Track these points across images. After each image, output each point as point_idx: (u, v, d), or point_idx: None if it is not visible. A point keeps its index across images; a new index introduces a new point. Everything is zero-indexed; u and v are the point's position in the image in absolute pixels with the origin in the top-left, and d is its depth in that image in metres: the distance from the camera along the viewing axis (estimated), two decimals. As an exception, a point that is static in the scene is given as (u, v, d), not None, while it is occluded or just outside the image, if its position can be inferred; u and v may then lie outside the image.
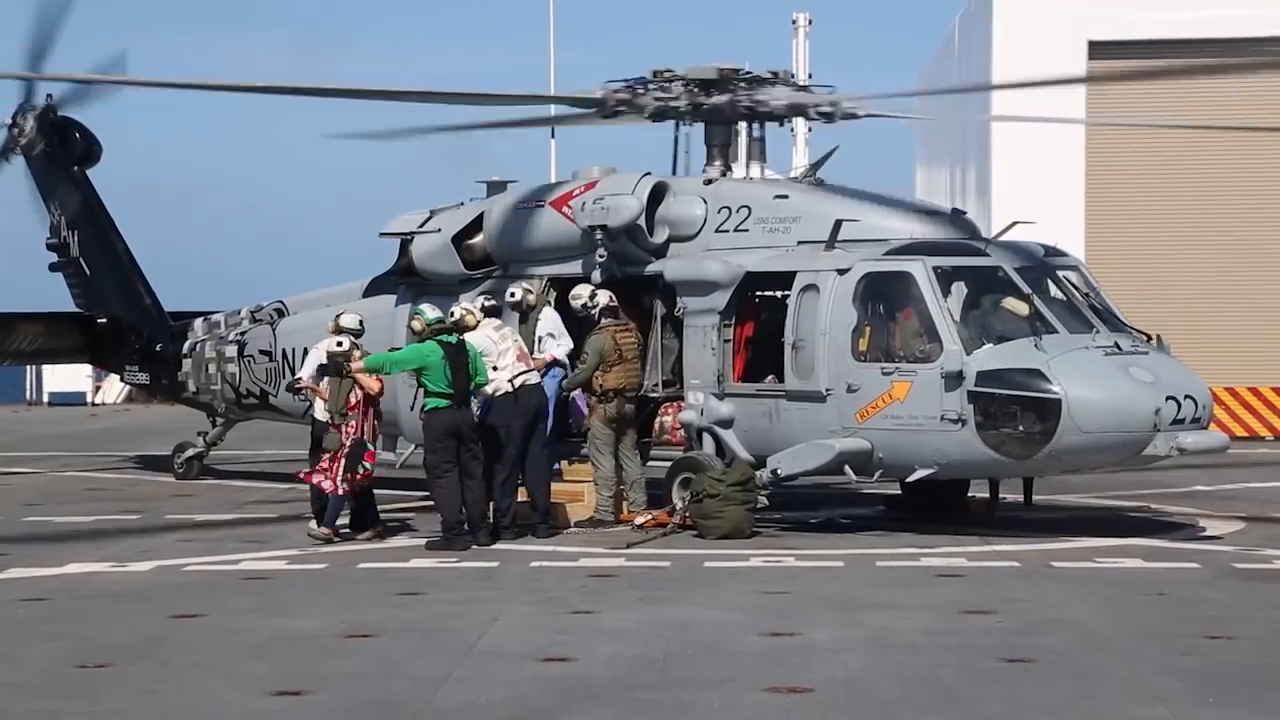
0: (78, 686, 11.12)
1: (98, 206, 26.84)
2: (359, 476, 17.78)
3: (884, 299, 18.14)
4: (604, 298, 19.02)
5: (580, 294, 19.11)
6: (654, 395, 19.45)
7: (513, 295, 19.50)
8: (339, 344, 18.01)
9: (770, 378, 18.73)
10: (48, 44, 24.17)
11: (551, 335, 19.17)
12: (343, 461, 17.64)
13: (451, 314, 18.27)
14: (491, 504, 17.79)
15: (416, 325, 18.00)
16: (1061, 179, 32.96)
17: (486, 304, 19.11)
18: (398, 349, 18.85)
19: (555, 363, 19.16)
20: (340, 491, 17.65)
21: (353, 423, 17.74)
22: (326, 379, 18.05)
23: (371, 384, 17.80)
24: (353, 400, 17.75)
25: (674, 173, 20.29)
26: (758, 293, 19.41)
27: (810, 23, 42.28)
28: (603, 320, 18.91)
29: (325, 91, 19.12)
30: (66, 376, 51.26)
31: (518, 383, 17.97)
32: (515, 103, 20.90)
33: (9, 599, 14.46)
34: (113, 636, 12.70)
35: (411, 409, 19.65)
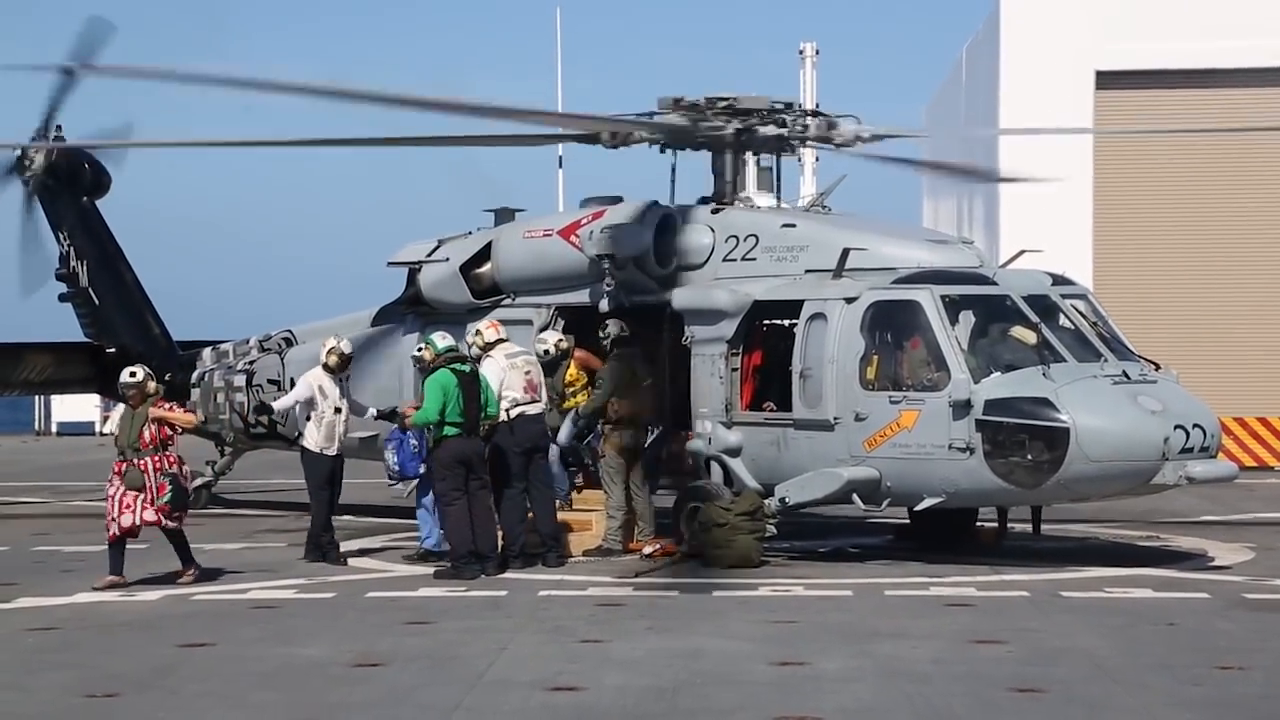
0: (87, 716, 11.12)
1: (107, 237, 26.88)
2: (178, 514, 16.87)
3: (892, 328, 18.14)
4: (615, 327, 19.02)
5: (545, 340, 19.22)
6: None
7: (544, 347, 19.29)
8: (131, 374, 17.04)
9: (768, 404, 18.71)
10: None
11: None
12: (167, 496, 16.65)
13: (476, 330, 18.50)
14: (500, 533, 17.79)
15: (426, 355, 17.97)
16: (1069, 208, 32.95)
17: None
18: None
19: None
20: (120, 530, 16.65)
21: (147, 459, 16.71)
22: (118, 409, 17.45)
23: (185, 419, 17.47)
24: (146, 436, 16.74)
25: (671, 201, 20.30)
26: (765, 321, 19.42)
27: (818, 53, 42.30)
28: (618, 349, 18.92)
29: (335, 93, 19.06)
30: (75, 406, 51.31)
31: (514, 413, 17.95)
32: (516, 144, 20.91)
33: (18, 628, 14.46)
34: (121, 666, 12.69)
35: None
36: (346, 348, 19.01)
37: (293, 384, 20.42)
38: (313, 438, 18.60)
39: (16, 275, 26.01)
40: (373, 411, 19.26)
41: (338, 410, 18.57)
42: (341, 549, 18.66)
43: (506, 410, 17.92)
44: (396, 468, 18.31)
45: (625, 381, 18.70)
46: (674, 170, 20.37)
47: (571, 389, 19.31)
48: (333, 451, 18.62)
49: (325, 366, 18.86)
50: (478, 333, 18.62)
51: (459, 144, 20.52)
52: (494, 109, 19.33)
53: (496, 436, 17.86)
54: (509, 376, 18.05)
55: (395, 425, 18.58)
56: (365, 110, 18.64)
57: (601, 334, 19.10)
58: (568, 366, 19.35)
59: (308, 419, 18.63)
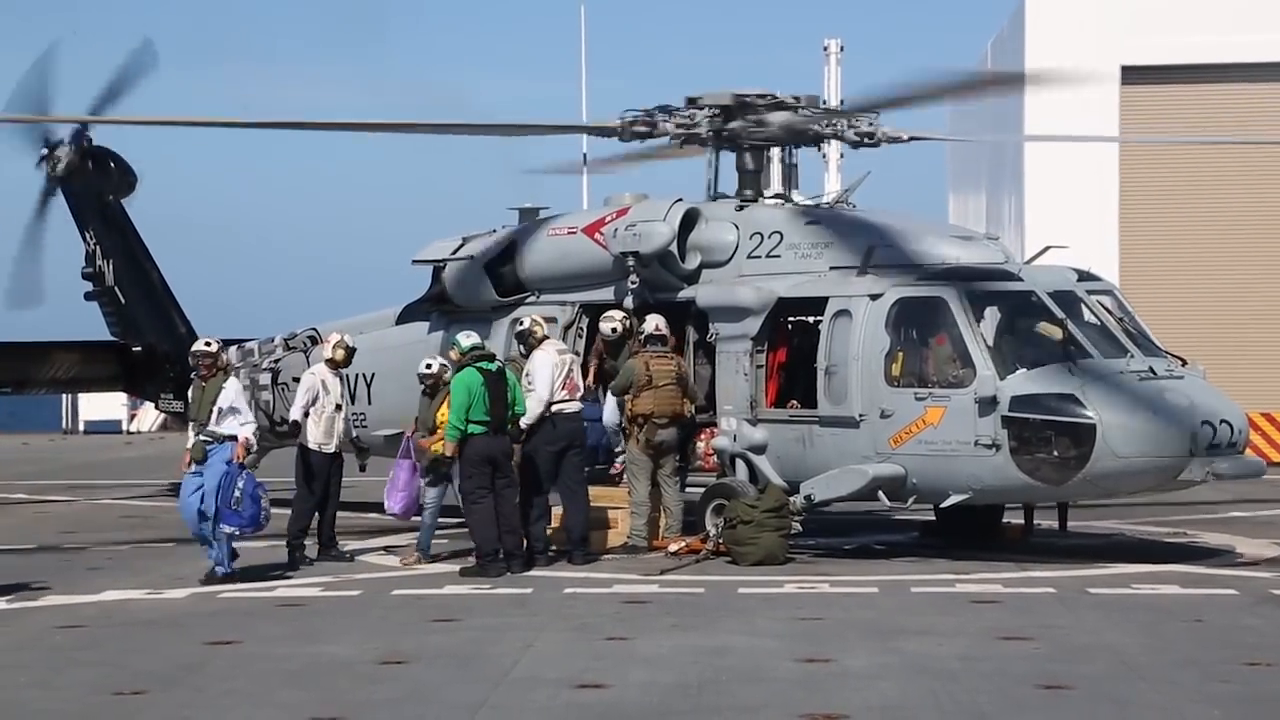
0: (114, 713, 11.14)
1: (133, 236, 26.96)
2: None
3: (917, 324, 18.11)
4: (650, 324, 18.99)
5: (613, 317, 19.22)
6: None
7: (614, 330, 19.36)
8: (206, 343, 17.04)
9: (792, 402, 18.71)
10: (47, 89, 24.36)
11: (235, 410, 16.87)
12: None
13: (520, 322, 18.57)
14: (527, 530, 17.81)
15: (454, 356, 17.93)
16: (1095, 204, 32.89)
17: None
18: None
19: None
20: None
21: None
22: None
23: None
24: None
25: (708, 198, 20.30)
26: (790, 318, 19.40)
27: (842, 49, 42.21)
28: (647, 346, 18.92)
29: (346, 126, 19.24)
30: (102, 405, 51.48)
31: (552, 410, 17.98)
32: (539, 132, 20.98)
33: (46, 626, 14.51)
34: (148, 663, 12.72)
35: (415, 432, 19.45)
36: (351, 342, 19.03)
37: None
38: (312, 433, 18.54)
39: (9, 285, 25.84)
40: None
41: (338, 407, 18.54)
42: (308, 549, 18.38)
43: (548, 405, 17.93)
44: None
45: (639, 380, 18.64)
46: (709, 166, 20.35)
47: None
48: (331, 449, 18.56)
49: (331, 361, 18.85)
50: (529, 330, 18.54)
51: (479, 133, 20.57)
52: (514, 126, 19.54)
53: (534, 434, 17.85)
54: (559, 373, 18.08)
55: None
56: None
57: (638, 329, 19.10)
58: (631, 351, 19.27)
59: (307, 415, 18.59)
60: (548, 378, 17.95)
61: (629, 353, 19.20)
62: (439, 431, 17.72)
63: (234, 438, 16.59)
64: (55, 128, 25.74)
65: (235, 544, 16.70)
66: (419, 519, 18.48)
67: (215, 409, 16.62)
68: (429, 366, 18.37)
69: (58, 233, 26.72)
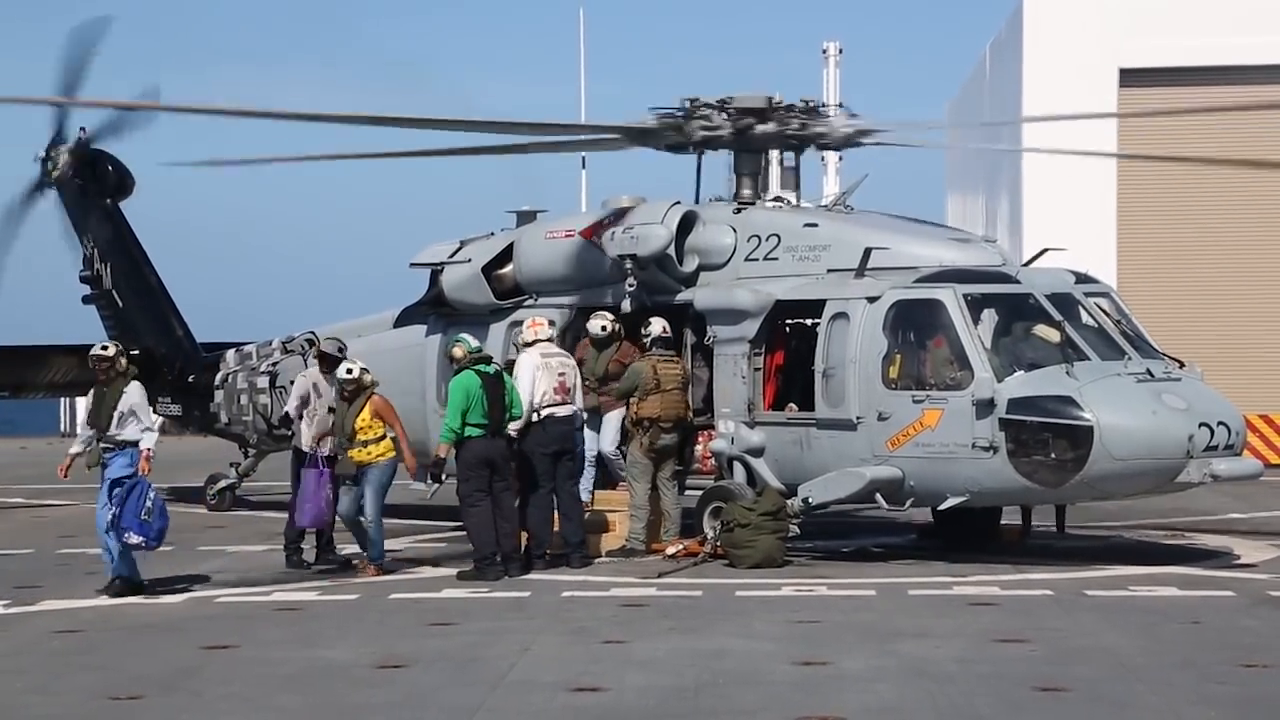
0: (111, 718, 11.15)
1: (130, 239, 26.94)
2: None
3: (914, 327, 18.11)
4: (657, 327, 18.98)
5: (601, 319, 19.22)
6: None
7: (604, 329, 19.32)
8: (104, 347, 16.52)
9: (790, 405, 18.72)
10: (79, 76, 24.33)
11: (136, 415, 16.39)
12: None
13: (518, 325, 18.52)
14: (524, 534, 17.80)
15: (458, 352, 17.86)
16: (1093, 206, 32.88)
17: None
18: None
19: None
20: None
21: None
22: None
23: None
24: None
25: (696, 201, 20.31)
26: (788, 321, 19.40)
27: (840, 52, 42.26)
28: (653, 349, 18.91)
29: (351, 119, 19.27)
30: (100, 408, 51.38)
31: (542, 414, 17.97)
32: (547, 132, 21.00)
33: (43, 631, 14.52)
34: (145, 668, 12.72)
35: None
36: (337, 345, 18.95)
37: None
38: (305, 436, 18.51)
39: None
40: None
41: (331, 410, 18.51)
42: (305, 553, 18.37)
43: (536, 410, 17.92)
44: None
45: (647, 383, 18.66)
46: (699, 168, 20.42)
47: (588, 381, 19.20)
48: (325, 451, 18.53)
49: (321, 363, 18.79)
50: (520, 333, 18.71)
51: (479, 154, 20.69)
52: (509, 124, 19.55)
53: (525, 437, 17.85)
54: (540, 375, 18.06)
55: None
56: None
57: (644, 331, 19.09)
58: (613, 352, 19.28)
59: (299, 417, 18.58)
60: (526, 382, 17.93)
61: (609, 356, 19.16)
62: (357, 438, 17.46)
63: (135, 443, 16.15)
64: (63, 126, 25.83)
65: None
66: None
67: (116, 414, 16.23)
68: (349, 372, 17.72)
69: (55, 235, 26.77)
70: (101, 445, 16.35)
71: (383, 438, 17.64)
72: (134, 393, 16.31)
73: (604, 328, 19.30)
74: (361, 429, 17.50)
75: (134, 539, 16.03)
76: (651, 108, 19.91)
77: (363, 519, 17.59)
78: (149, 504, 15.99)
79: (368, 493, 17.54)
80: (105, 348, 16.54)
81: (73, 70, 24.40)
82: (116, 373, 16.40)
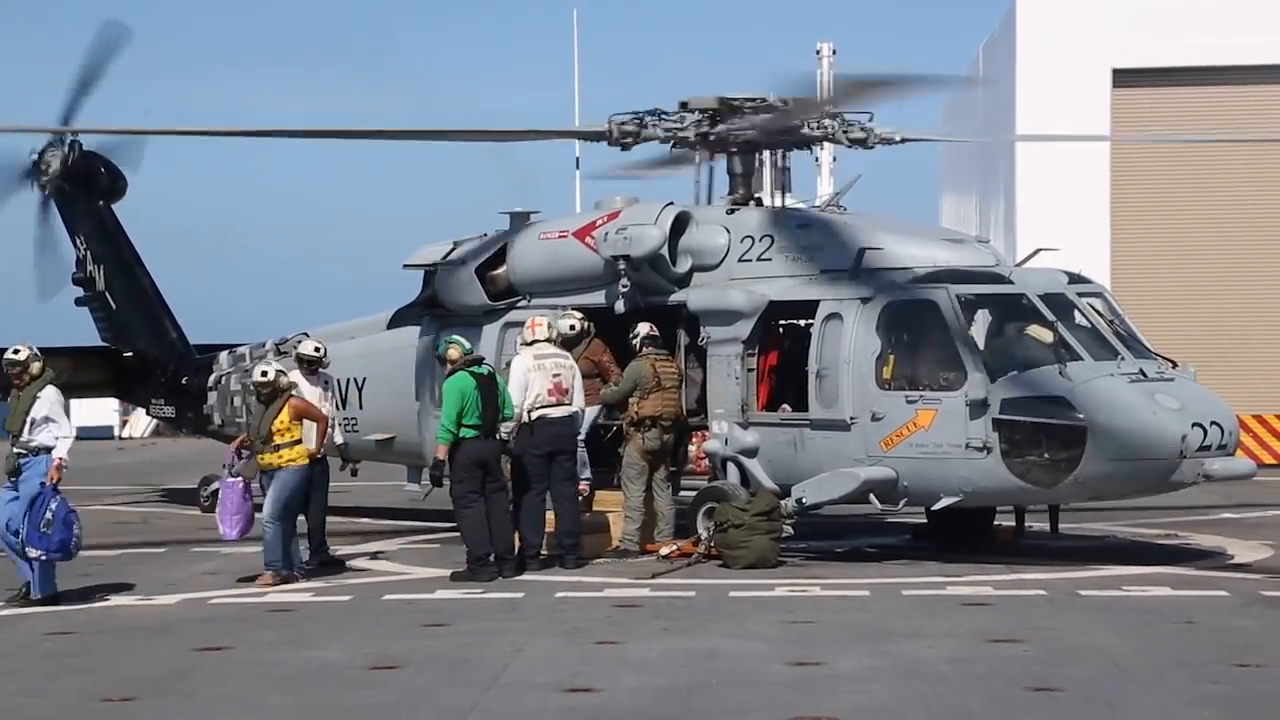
0: None
1: (123, 241, 26.94)
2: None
3: (908, 327, 18.11)
4: (645, 328, 19.00)
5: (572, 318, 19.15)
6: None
7: (573, 327, 19.29)
8: (16, 350, 15.97)
9: (784, 406, 18.73)
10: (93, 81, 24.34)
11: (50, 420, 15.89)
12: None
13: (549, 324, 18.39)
14: (517, 535, 17.79)
15: (453, 353, 17.84)
16: (1086, 207, 32.90)
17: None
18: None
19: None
20: None
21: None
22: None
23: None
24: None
25: (696, 203, 20.31)
26: (781, 322, 19.40)
27: (834, 52, 42.25)
28: (645, 349, 18.91)
29: (341, 133, 19.30)
30: (93, 410, 51.29)
31: (534, 415, 17.95)
32: (529, 138, 21.01)
33: (36, 633, 14.49)
34: (138, 669, 12.71)
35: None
36: (313, 347, 18.89)
37: None
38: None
39: (34, 280, 26.09)
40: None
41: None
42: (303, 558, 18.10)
43: (527, 411, 17.91)
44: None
45: (647, 382, 18.66)
46: (700, 170, 20.38)
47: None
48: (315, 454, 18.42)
49: (302, 366, 18.73)
50: (520, 334, 18.66)
51: (472, 139, 20.63)
52: (505, 132, 19.56)
53: (517, 438, 17.84)
54: (533, 377, 18.04)
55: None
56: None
57: (631, 334, 19.09)
58: (583, 349, 19.24)
59: None
60: (517, 384, 17.91)
61: (579, 353, 19.05)
62: (273, 440, 17.19)
63: (49, 449, 15.66)
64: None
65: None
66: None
67: (29, 419, 15.74)
68: (265, 375, 17.39)
69: (49, 238, 26.73)
70: (15, 451, 15.82)
71: (297, 442, 17.27)
72: (47, 398, 15.78)
73: (573, 326, 19.26)
74: (279, 431, 17.16)
75: (33, 552, 15.53)
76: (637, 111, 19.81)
77: (259, 516, 17.14)
78: (49, 515, 15.49)
79: (269, 494, 17.12)
80: (17, 351, 15.95)
81: (88, 75, 24.36)
82: (31, 377, 15.87)
